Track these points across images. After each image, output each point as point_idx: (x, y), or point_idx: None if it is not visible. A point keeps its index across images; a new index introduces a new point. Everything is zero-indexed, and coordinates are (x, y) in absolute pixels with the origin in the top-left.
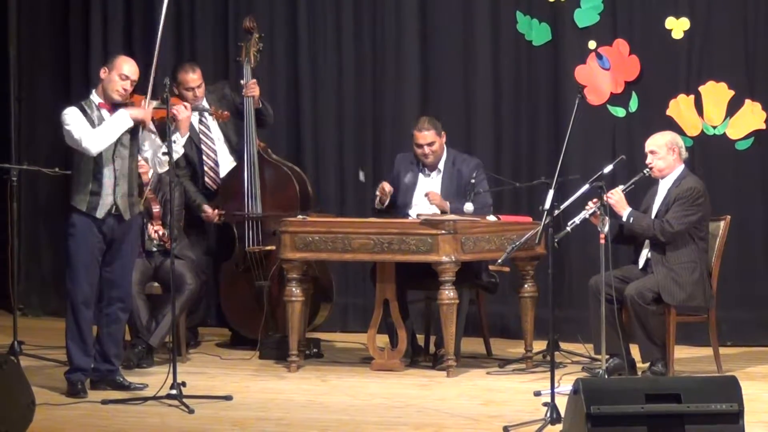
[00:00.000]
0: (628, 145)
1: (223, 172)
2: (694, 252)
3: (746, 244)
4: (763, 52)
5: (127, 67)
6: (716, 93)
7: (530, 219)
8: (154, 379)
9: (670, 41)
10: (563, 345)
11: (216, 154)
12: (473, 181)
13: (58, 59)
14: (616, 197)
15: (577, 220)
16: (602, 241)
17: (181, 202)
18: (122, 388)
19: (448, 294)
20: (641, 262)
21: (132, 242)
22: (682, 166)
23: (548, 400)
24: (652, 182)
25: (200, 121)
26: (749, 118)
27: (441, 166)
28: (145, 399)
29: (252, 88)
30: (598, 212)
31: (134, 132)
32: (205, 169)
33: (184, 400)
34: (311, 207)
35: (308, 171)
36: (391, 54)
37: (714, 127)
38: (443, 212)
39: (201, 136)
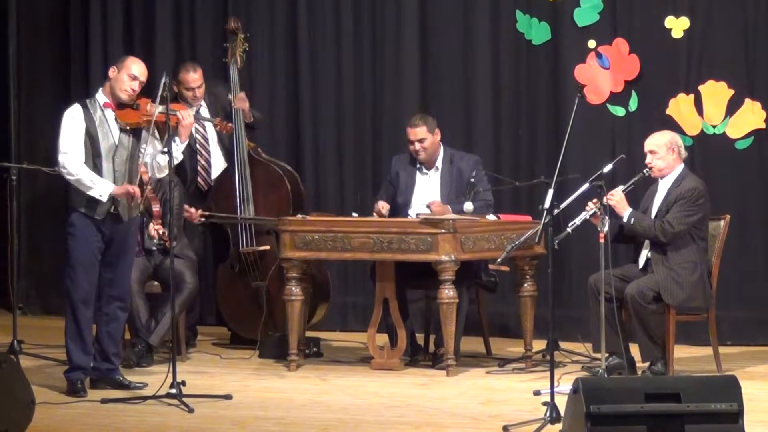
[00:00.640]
0: (627, 144)
1: (215, 173)
2: (694, 252)
3: (746, 244)
4: (763, 51)
5: (136, 68)
6: (716, 92)
7: (530, 218)
8: (154, 378)
9: (670, 40)
10: (563, 344)
11: (210, 155)
12: (473, 179)
13: (57, 58)
14: (617, 198)
15: (577, 221)
16: (602, 240)
17: (180, 202)
18: (122, 387)
19: (448, 293)
20: (641, 262)
21: (131, 241)
22: (681, 166)
23: (548, 399)
24: (651, 182)
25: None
26: (749, 118)
27: (439, 164)
28: (145, 398)
29: (241, 101)
30: (599, 213)
31: (136, 133)
32: (198, 168)
33: (184, 399)
34: (304, 205)
35: (308, 170)
36: (391, 53)
37: (714, 127)
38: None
39: (196, 135)
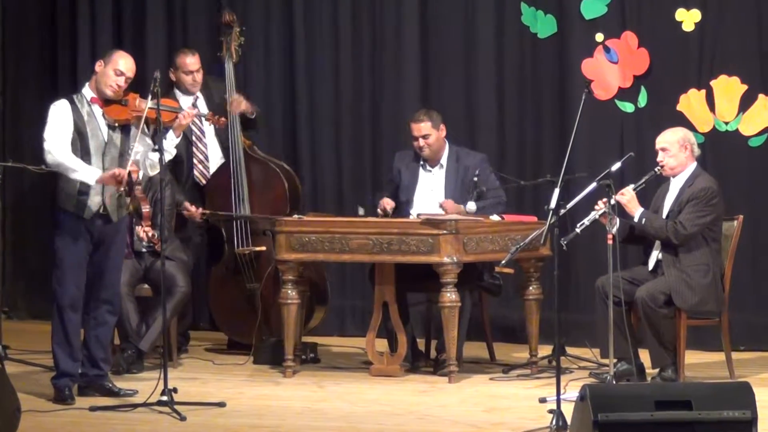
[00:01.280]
0: (636, 141)
1: (213, 166)
2: (707, 254)
3: (760, 245)
4: None
5: (123, 63)
6: (728, 87)
7: (535, 218)
8: (145, 384)
9: (681, 34)
10: (569, 349)
11: (207, 148)
12: (476, 179)
13: (44, 53)
14: (628, 197)
15: (586, 221)
16: (610, 242)
17: (172, 202)
18: (111, 394)
19: (450, 296)
20: (651, 264)
21: (120, 242)
22: (694, 164)
23: (554, 407)
24: (661, 180)
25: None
26: (763, 114)
27: (444, 161)
28: (135, 405)
29: (236, 104)
30: (608, 213)
31: (125, 130)
32: (195, 162)
33: (176, 406)
34: (301, 204)
35: (304, 169)
36: (391, 47)
37: (726, 123)
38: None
39: (193, 128)
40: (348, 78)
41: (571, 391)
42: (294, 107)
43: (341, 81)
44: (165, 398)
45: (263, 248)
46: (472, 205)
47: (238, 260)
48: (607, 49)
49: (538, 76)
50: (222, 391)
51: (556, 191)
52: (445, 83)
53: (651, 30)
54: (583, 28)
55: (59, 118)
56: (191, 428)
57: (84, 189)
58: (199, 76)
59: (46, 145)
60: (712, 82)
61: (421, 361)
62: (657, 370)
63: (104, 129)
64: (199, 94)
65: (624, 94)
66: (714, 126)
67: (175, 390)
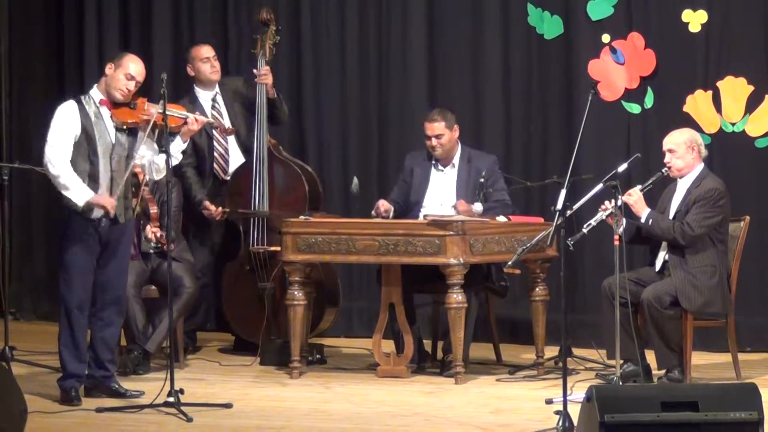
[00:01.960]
0: (643, 142)
1: (233, 161)
2: (713, 255)
3: (767, 246)
4: None
5: (133, 67)
6: (735, 88)
7: (542, 219)
8: (151, 385)
9: (687, 34)
10: (576, 351)
11: (227, 143)
12: (482, 180)
13: (50, 54)
14: (635, 197)
15: (593, 222)
16: (616, 243)
17: (179, 203)
18: (118, 396)
19: (457, 298)
20: (658, 265)
21: (127, 244)
22: (701, 165)
23: (560, 408)
24: (668, 181)
25: (212, 107)
26: None
27: (456, 161)
28: (142, 407)
29: (265, 75)
30: (615, 213)
31: (132, 133)
32: (215, 155)
33: (182, 407)
34: (321, 208)
35: (312, 170)
36: (398, 48)
37: (733, 124)
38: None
39: (212, 129)
40: (355, 79)
41: (578, 392)
42: (301, 108)
43: (348, 82)
44: (171, 399)
45: (278, 248)
46: (478, 206)
47: (252, 258)
48: (613, 50)
49: (544, 77)
50: (228, 392)
51: (563, 192)
52: (451, 84)
53: (657, 31)
54: (590, 29)
55: (65, 123)
56: (198, 429)
57: (91, 189)
58: (217, 63)
59: (48, 151)
60: (719, 83)
61: (428, 363)
62: (663, 371)
63: (111, 131)
64: (218, 89)
65: (630, 95)
66: (720, 127)
67: (181, 391)
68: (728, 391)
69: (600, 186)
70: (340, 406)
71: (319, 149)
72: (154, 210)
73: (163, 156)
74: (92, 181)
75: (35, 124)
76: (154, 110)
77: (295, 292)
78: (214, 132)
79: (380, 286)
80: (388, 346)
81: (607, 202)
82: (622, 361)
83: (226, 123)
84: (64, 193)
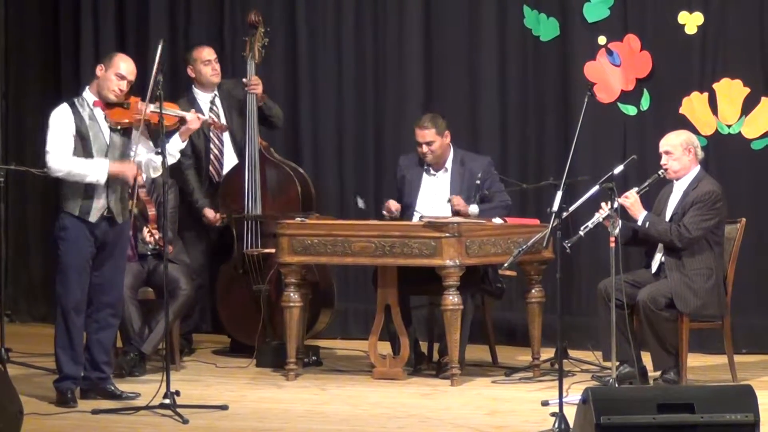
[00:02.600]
0: (639, 144)
1: (227, 163)
2: (710, 258)
3: (762, 248)
4: None
5: (124, 66)
6: (731, 90)
7: (538, 221)
8: (147, 387)
9: (683, 36)
10: (572, 352)
11: (222, 145)
12: (478, 182)
13: (47, 55)
14: (632, 200)
15: (590, 224)
16: (612, 245)
17: (175, 205)
18: (113, 397)
19: (453, 299)
20: (654, 267)
21: (123, 245)
22: (698, 168)
23: (556, 410)
24: (664, 183)
25: (210, 109)
26: (765, 117)
27: (448, 165)
28: (138, 409)
29: (254, 86)
30: (611, 215)
31: (127, 133)
32: (211, 157)
33: (178, 409)
34: (314, 209)
35: (307, 172)
36: (393, 50)
37: (729, 126)
38: (465, 217)
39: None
40: (351, 81)
41: (574, 394)
42: (296, 110)
43: (344, 84)
44: (167, 401)
45: (272, 250)
46: (474, 208)
47: (246, 261)
48: (609, 52)
49: (540, 79)
50: (224, 394)
51: (559, 194)
52: (447, 86)
53: (654, 33)
54: (586, 31)
55: (60, 126)
56: (193, 431)
57: (89, 193)
58: (218, 66)
59: (49, 158)
60: (715, 85)
61: (424, 364)
62: (659, 373)
63: (106, 132)
64: (216, 92)
65: (626, 97)
66: (717, 129)
67: (177, 393)
68: (724, 392)
69: (596, 188)
70: (336, 408)
71: (314, 152)
72: (151, 212)
73: (160, 156)
74: (89, 184)
75: (31, 126)
76: (146, 109)
77: (291, 294)
78: (210, 133)
79: (376, 288)
80: (384, 347)
81: (603, 204)
82: (618, 363)
83: (223, 122)
84: (86, 180)
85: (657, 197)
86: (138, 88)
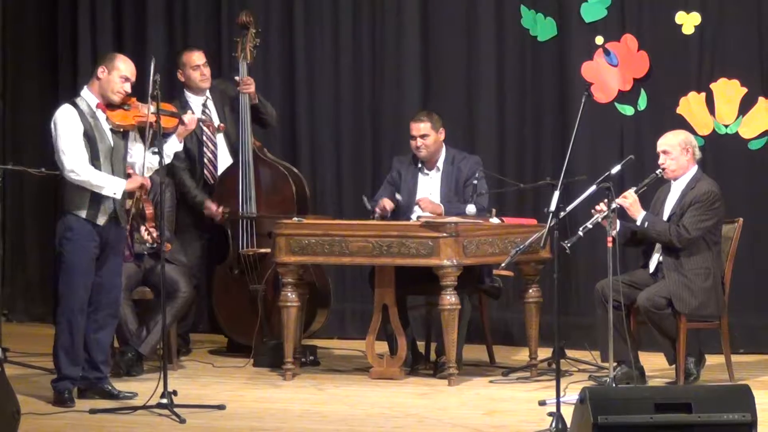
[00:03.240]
0: (636, 144)
1: (221, 165)
2: (708, 258)
3: (760, 248)
4: None
5: (126, 68)
6: (728, 90)
7: (535, 221)
8: (144, 387)
9: (681, 37)
10: (569, 352)
11: (216, 148)
12: (475, 182)
13: (44, 55)
14: (631, 200)
15: (589, 224)
16: (610, 245)
17: (172, 204)
18: (111, 397)
19: (450, 299)
20: (652, 267)
21: (122, 246)
22: (695, 168)
23: (554, 409)
24: (661, 183)
25: (203, 112)
26: (763, 117)
27: (440, 164)
28: (135, 408)
29: (247, 85)
30: (609, 215)
31: (126, 134)
32: (205, 161)
33: (176, 409)
34: (308, 208)
35: (304, 171)
36: (391, 49)
37: (726, 126)
38: (438, 216)
39: (203, 126)
40: (348, 81)
41: (571, 394)
42: (294, 110)
43: (341, 84)
44: (165, 401)
45: (268, 250)
46: (471, 208)
47: (242, 261)
48: (607, 52)
49: (537, 78)
50: (222, 393)
51: (556, 194)
52: (445, 86)
53: (651, 33)
54: (583, 31)
55: (71, 127)
56: (191, 431)
57: (98, 196)
58: (207, 71)
59: (68, 164)
60: (712, 85)
61: (421, 364)
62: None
63: (108, 134)
64: (208, 94)
65: (624, 97)
66: (714, 129)
67: (174, 393)
68: (721, 392)
69: (593, 188)
70: (334, 408)
71: (311, 152)
72: (149, 210)
73: (157, 156)
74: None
75: (29, 125)
76: (146, 110)
77: (289, 294)
78: (204, 137)
79: (373, 288)
80: (382, 347)
81: (602, 204)
82: (615, 363)
83: (216, 123)
84: (102, 192)
85: (654, 197)
86: (136, 90)
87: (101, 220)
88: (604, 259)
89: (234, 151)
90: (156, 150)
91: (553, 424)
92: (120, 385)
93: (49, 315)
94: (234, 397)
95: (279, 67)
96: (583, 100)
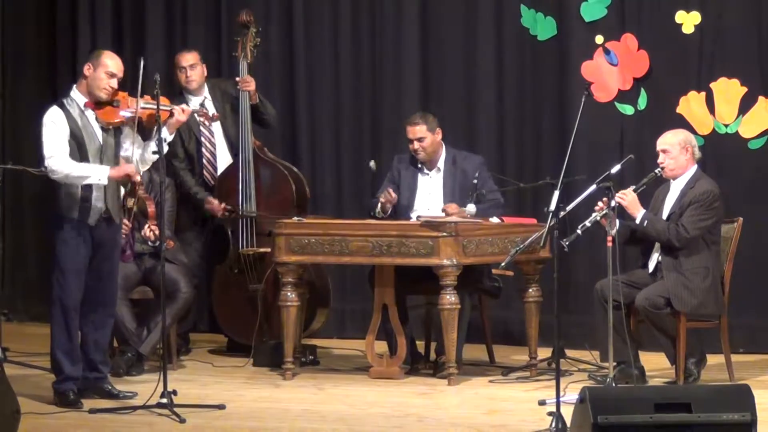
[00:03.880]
0: (636, 144)
1: (221, 166)
2: (707, 257)
3: (759, 247)
4: None
5: (113, 64)
6: (728, 90)
7: (535, 221)
8: (144, 387)
9: (681, 36)
10: (569, 352)
11: (215, 148)
12: (475, 181)
13: (43, 54)
14: (630, 198)
15: (588, 223)
16: (609, 244)
17: (173, 204)
18: (111, 397)
19: (450, 299)
20: (651, 266)
21: (117, 245)
22: (695, 167)
23: (553, 409)
24: (660, 182)
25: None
26: (762, 116)
27: (440, 164)
28: (135, 408)
29: (247, 83)
30: (609, 215)
31: (117, 131)
32: (204, 162)
33: (175, 409)
34: (308, 208)
35: (304, 171)
36: (390, 49)
37: (726, 126)
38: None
39: (201, 128)
40: (348, 80)
41: (571, 394)
42: (294, 109)
43: (341, 83)
44: (164, 401)
45: (267, 250)
46: (471, 208)
47: (241, 261)
48: (606, 52)
49: (537, 78)
50: (222, 393)
51: (556, 193)
52: (444, 85)
53: (651, 32)
54: (583, 30)
55: (55, 129)
56: (191, 430)
57: (87, 196)
58: (193, 73)
59: (48, 163)
60: (712, 85)
61: (421, 364)
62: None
63: (98, 132)
64: (207, 94)
65: (624, 96)
66: (714, 128)
67: (174, 392)
68: (721, 392)
69: (593, 187)
70: (334, 407)
71: (311, 152)
72: (151, 208)
73: (156, 156)
74: (86, 187)
75: (28, 125)
76: (136, 105)
77: (288, 294)
78: (202, 137)
79: (373, 287)
80: (381, 347)
81: (601, 203)
82: (615, 363)
83: (214, 126)
84: (87, 182)
85: (654, 196)
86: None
87: (92, 220)
88: (603, 258)
89: (234, 150)
90: (156, 150)
91: (553, 424)
92: (120, 385)
93: (49, 315)
94: (234, 396)
95: (279, 67)
96: (583, 100)
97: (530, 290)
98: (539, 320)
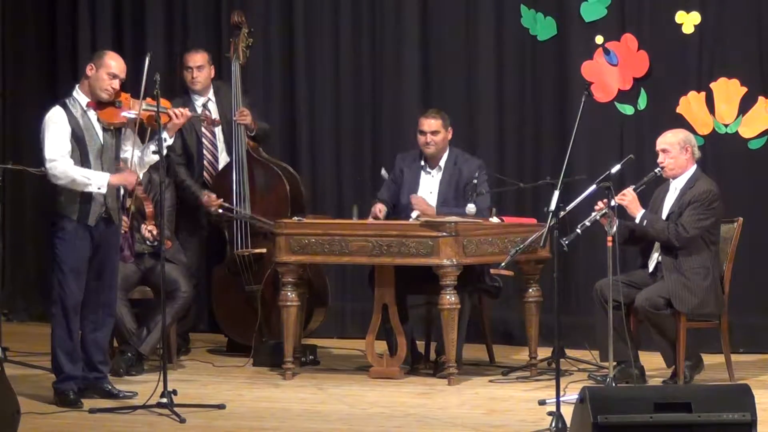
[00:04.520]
0: (636, 143)
1: (222, 166)
2: (706, 257)
3: (759, 247)
4: None
5: (115, 65)
6: (728, 90)
7: (535, 221)
8: (144, 387)
9: (681, 36)
10: (569, 352)
11: (216, 149)
12: (475, 181)
13: (43, 54)
14: (629, 197)
15: (587, 222)
16: (609, 244)
17: (172, 204)
18: (111, 397)
19: (450, 299)
20: (651, 266)
21: (117, 245)
22: (694, 167)
23: (553, 409)
24: (660, 182)
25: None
26: (762, 116)
27: (442, 163)
28: (135, 408)
29: (243, 117)
30: (609, 214)
31: (117, 131)
32: (204, 163)
33: (175, 409)
34: (304, 208)
35: (304, 171)
36: (391, 49)
37: (726, 126)
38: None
39: (203, 128)
40: (348, 80)
41: (571, 394)
42: (294, 109)
43: (341, 83)
44: (164, 400)
45: (263, 250)
46: (471, 207)
47: (238, 262)
48: (606, 52)
49: (537, 78)
50: (222, 393)
51: (556, 193)
52: (445, 85)
53: (651, 32)
54: (583, 30)
55: (57, 129)
56: (191, 430)
57: (86, 197)
58: (200, 74)
59: (50, 166)
60: (712, 85)
61: (421, 364)
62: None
63: (100, 132)
64: (212, 96)
65: (624, 96)
66: (714, 128)
67: (174, 392)
68: (721, 392)
69: (593, 187)
70: (334, 407)
71: (311, 151)
72: (149, 209)
73: (156, 156)
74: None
75: (28, 125)
76: (138, 106)
77: (288, 293)
78: (203, 138)
79: (373, 287)
80: (381, 347)
81: (600, 202)
82: (615, 363)
83: (217, 129)
84: (87, 189)
85: (653, 196)
86: (136, 89)
87: (92, 221)
88: (603, 258)
89: (230, 151)
90: (155, 150)
91: (553, 424)
92: (120, 385)
93: (49, 314)
94: (234, 396)
95: (279, 67)
96: (583, 100)
97: (530, 290)
98: (539, 320)
